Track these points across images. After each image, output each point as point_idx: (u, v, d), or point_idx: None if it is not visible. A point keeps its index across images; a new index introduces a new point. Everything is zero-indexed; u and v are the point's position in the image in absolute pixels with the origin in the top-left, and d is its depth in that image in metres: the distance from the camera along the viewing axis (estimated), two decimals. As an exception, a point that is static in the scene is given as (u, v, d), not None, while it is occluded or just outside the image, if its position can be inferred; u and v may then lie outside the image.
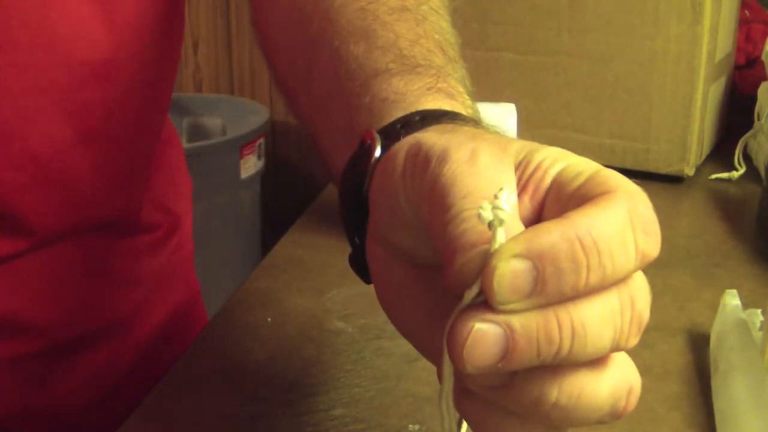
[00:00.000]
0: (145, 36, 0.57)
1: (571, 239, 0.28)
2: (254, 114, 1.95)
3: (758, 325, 0.54)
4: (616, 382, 0.31)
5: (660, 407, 0.51)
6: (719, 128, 0.92)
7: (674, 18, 0.80)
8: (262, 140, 1.89)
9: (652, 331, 0.59)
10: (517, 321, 0.28)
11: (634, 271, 0.30)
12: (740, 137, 0.86)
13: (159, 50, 0.59)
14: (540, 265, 0.28)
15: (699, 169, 0.86)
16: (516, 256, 0.28)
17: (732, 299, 0.56)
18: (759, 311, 0.55)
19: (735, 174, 0.85)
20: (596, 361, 0.30)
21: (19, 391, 0.60)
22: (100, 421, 0.64)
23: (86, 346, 0.63)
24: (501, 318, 0.28)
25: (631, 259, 0.29)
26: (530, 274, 0.28)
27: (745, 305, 0.56)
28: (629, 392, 0.31)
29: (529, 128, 0.71)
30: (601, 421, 0.31)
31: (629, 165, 0.83)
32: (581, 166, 0.32)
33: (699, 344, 0.57)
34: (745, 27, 0.98)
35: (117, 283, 0.65)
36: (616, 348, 0.30)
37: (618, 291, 0.29)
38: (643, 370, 0.56)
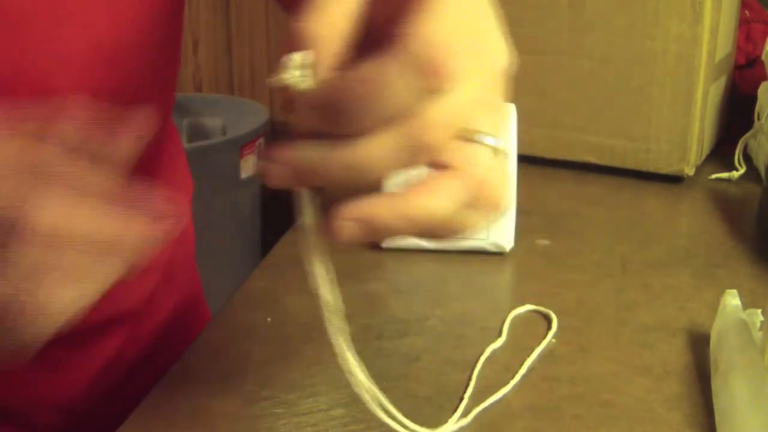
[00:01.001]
0: (147, 24, 0.58)
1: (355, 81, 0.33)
2: (254, 114, 1.95)
3: (758, 325, 0.54)
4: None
5: (660, 407, 0.51)
6: (719, 128, 0.92)
7: (674, 18, 0.80)
8: (262, 140, 1.89)
9: (652, 331, 0.59)
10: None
11: (418, 104, 0.34)
12: (740, 137, 0.86)
13: (161, 40, 0.60)
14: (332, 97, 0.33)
15: (699, 169, 0.86)
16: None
17: (732, 299, 0.56)
18: (759, 311, 0.55)
19: (735, 174, 0.85)
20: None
21: (33, 380, 0.61)
22: (100, 421, 0.64)
23: (97, 336, 0.64)
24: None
25: (411, 96, 0.33)
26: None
27: (745, 305, 0.56)
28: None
29: (529, 128, 0.71)
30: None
31: (629, 165, 0.83)
32: None
33: (699, 344, 0.57)
34: (745, 27, 0.98)
35: None
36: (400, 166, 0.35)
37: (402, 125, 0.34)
38: (643, 370, 0.56)
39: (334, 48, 0.35)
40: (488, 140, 0.37)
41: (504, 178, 0.38)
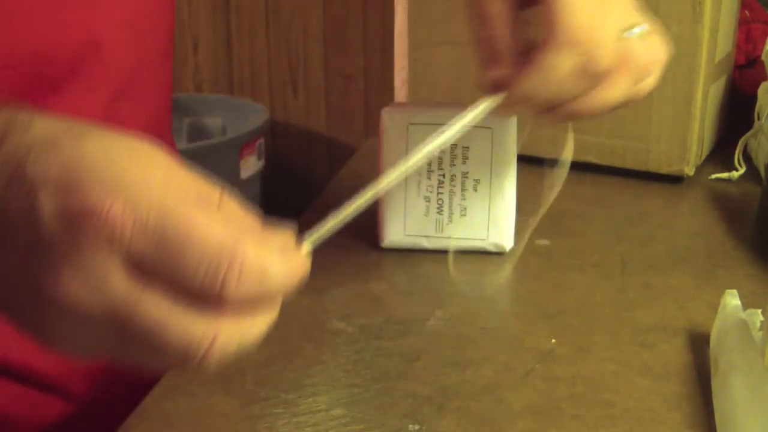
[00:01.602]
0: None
1: None
2: (254, 114, 1.95)
3: (758, 325, 0.54)
4: None
5: (660, 407, 0.51)
6: (719, 128, 0.92)
7: (674, 18, 0.80)
8: (262, 140, 1.89)
9: (652, 331, 0.59)
10: None
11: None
12: (740, 137, 0.86)
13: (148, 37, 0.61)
14: None
15: (699, 169, 0.86)
16: None
17: (732, 299, 0.56)
18: (759, 311, 0.55)
19: (735, 174, 0.85)
20: None
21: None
22: (99, 421, 0.64)
23: None
24: None
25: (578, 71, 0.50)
26: None
27: (745, 305, 0.56)
28: None
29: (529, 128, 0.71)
30: None
31: (629, 165, 0.83)
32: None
33: (699, 344, 0.57)
34: (745, 27, 0.98)
35: None
36: None
37: None
38: (644, 370, 0.56)
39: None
40: (634, 31, 0.52)
41: (655, 45, 0.55)
